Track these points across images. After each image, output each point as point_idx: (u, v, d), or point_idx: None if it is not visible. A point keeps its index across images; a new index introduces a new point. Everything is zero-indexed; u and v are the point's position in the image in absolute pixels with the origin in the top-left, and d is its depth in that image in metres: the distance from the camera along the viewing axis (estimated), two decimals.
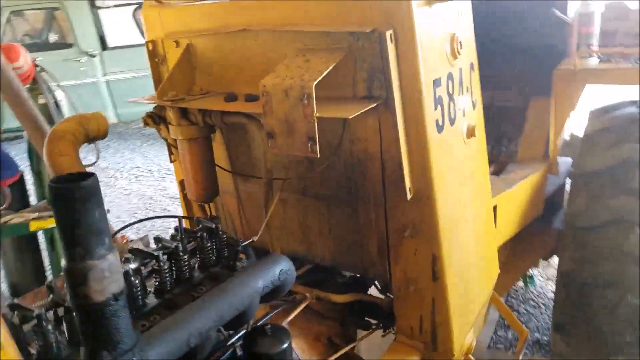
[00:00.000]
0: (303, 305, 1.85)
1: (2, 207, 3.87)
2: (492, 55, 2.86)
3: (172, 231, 1.64)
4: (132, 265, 1.47)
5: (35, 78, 3.44)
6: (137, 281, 1.41)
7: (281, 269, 1.51)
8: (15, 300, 1.27)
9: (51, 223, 4.15)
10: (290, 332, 1.78)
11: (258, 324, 1.55)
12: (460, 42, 1.69)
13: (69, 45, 8.86)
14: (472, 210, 1.98)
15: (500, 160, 3.40)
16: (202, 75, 1.87)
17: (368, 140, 1.67)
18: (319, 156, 1.43)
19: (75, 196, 0.91)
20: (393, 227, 1.75)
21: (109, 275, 0.98)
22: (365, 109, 1.46)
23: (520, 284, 4.35)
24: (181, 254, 1.53)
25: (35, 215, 3.92)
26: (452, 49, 1.68)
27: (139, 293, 1.42)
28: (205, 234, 1.63)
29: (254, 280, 1.43)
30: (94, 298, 0.98)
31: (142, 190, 6.57)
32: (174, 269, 1.53)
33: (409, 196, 1.62)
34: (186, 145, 1.84)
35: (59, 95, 3.80)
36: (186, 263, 1.55)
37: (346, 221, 1.85)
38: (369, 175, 1.72)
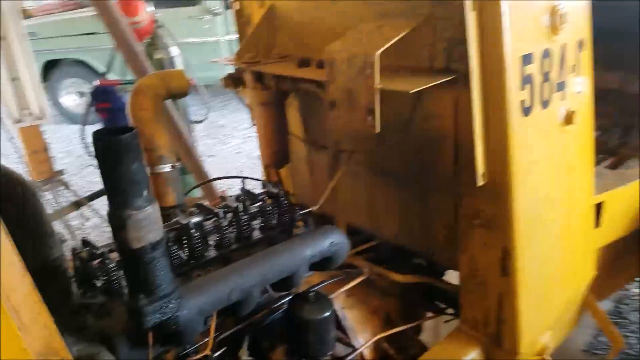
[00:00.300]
0: (359, 279, 1.82)
1: None
2: (621, 35, 2.48)
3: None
4: (195, 219, 1.55)
5: (154, 33, 3.70)
6: (197, 234, 1.49)
7: (332, 241, 1.49)
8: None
9: None
10: (346, 302, 1.77)
11: (308, 291, 1.55)
12: (564, 15, 1.48)
13: (194, 3, 9.08)
14: (563, 206, 1.78)
15: (622, 153, 2.99)
16: (282, 38, 1.86)
17: (443, 118, 1.55)
18: (377, 131, 1.36)
19: (112, 148, 0.96)
20: (463, 214, 1.63)
21: (146, 224, 1.03)
22: (434, 83, 1.35)
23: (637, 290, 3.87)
24: (241, 213, 1.58)
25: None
26: (553, 23, 1.48)
27: (199, 245, 1.50)
28: (266, 197, 1.66)
29: (302, 247, 1.43)
30: (131, 244, 1.04)
31: (251, 151, 6.88)
32: (233, 227, 1.59)
33: (480, 182, 1.48)
34: (259, 109, 1.87)
35: (174, 51, 4.04)
36: (246, 223, 1.59)
37: (414, 201, 1.76)
38: (441, 155, 1.60)
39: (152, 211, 1.04)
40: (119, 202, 1.01)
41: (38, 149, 3.41)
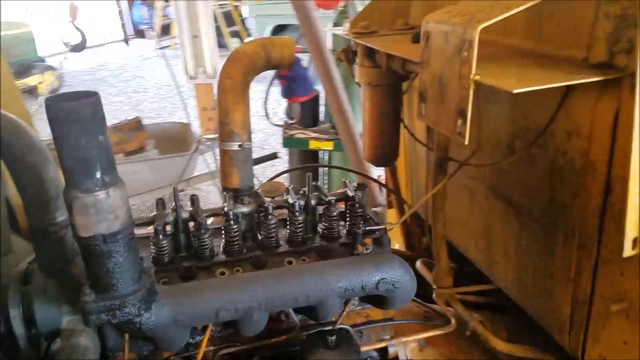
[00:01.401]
0: (441, 330, 1.38)
1: (292, 122, 4.35)
2: None
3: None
4: (244, 209, 1.33)
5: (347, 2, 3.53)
6: (235, 226, 1.27)
7: (383, 277, 1.11)
8: None
9: (328, 146, 4.48)
10: (417, 356, 1.38)
11: (328, 330, 1.21)
12: None
13: None
14: None
15: None
16: (417, 5, 1.47)
17: (593, 138, 1.01)
18: (465, 142, 0.92)
19: (57, 116, 0.78)
20: (600, 291, 1.07)
21: (94, 212, 0.84)
22: (572, 82, 0.85)
23: None
24: (296, 213, 1.30)
25: (315, 135, 4.26)
26: None
27: (234, 240, 1.28)
28: (338, 201, 1.34)
29: (334, 276, 1.09)
30: (79, 232, 0.86)
31: None
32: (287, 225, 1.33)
33: (627, 251, 0.93)
34: (367, 91, 1.52)
35: None
36: (300, 224, 1.31)
37: (535, 248, 1.24)
38: (584, 194, 1.06)
39: (104, 197, 0.84)
40: (68, 180, 0.83)
41: (207, 107, 3.62)
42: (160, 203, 1.26)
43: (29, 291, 1.02)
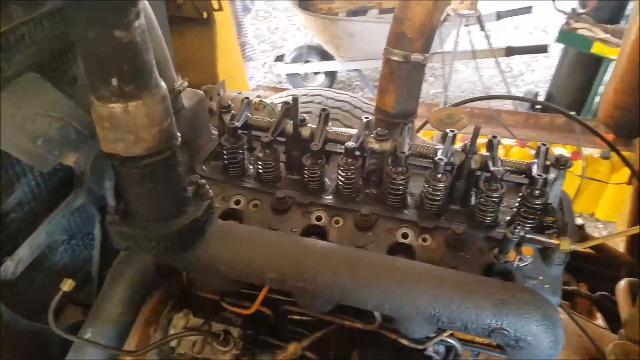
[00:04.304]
0: None
1: (582, 12, 3.34)
2: None
3: None
4: (374, 145, 1.00)
5: None
6: (352, 166, 0.97)
7: (502, 327, 0.71)
8: None
9: (616, 54, 3.36)
10: None
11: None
12: None
13: None
14: None
15: None
16: None
17: None
18: None
19: None
20: None
21: (109, 127, 0.66)
22: None
23: None
24: (438, 175, 0.92)
25: (605, 36, 3.19)
26: None
27: (351, 180, 0.99)
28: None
29: (427, 296, 0.74)
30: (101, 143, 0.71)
31: None
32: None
33: None
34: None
35: None
36: (439, 191, 0.93)
37: None
38: None
39: (121, 112, 0.63)
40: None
41: None
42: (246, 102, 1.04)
43: None
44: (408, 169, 0.94)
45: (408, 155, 0.94)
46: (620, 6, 3.41)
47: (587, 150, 3.00)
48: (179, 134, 0.74)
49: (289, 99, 1.00)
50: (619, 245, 1.37)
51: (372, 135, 1.01)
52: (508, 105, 4.15)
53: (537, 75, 5.08)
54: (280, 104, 1.07)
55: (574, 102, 3.83)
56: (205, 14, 1.75)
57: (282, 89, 3.73)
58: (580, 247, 0.85)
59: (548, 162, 0.90)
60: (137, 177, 0.70)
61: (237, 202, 1.01)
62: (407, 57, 1.04)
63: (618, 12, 3.41)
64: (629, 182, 1.51)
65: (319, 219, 0.98)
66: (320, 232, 0.97)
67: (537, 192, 0.87)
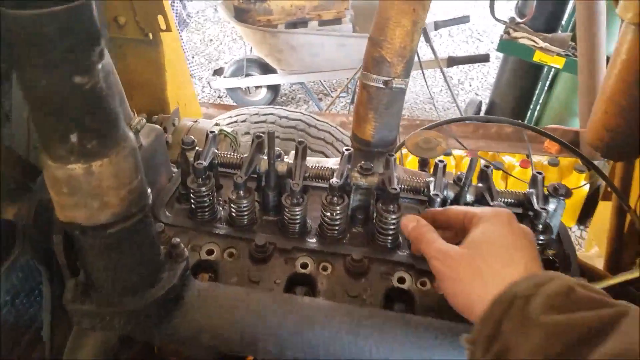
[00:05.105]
0: None
1: (520, 21, 3.45)
2: None
3: None
4: (360, 182, 0.92)
5: None
6: (339, 206, 0.89)
7: None
8: None
9: (557, 62, 3.51)
10: None
11: None
12: None
13: None
14: None
15: None
16: None
17: None
18: None
19: (12, 31, 0.45)
20: None
21: (67, 192, 0.54)
22: None
23: None
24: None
25: (544, 45, 3.33)
26: None
27: (336, 222, 0.91)
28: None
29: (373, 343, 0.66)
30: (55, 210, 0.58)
31: None
32: None
33: None
34: (629, 34, 0.88)
35: None
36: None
37: None
38: None
39: (82, 174, 0.52)
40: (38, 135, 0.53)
41: None
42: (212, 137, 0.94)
43: None
44: (400, 207, 0.87)
45: (399, 191, 0.87)
46: (556, 16, 3.56)
47: (535, 158, 3.09)
48: (149, 191, 0.62)
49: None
50: (597, 262, 1.37)
51: (356, 170, 0.93)
52: (455, 114, 4.24)
53: (476, 84, 5.24)
54: (245, 134, 0.97)
55: (517, 109, 3.97)
56: (150, 35, 1.61)
57: (229, 106, 3.59)
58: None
59: (546, 192, 0.86)
60: (101, 248, 0.58)
61: (210, 252, 0.90)
62: (387, 82, 0.97)
63: (555, 21, 3.56)
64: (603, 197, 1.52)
65: (304, 266, 0.88)
66: (307, 282, 0.87)
67: (541, 226, 0.82)
